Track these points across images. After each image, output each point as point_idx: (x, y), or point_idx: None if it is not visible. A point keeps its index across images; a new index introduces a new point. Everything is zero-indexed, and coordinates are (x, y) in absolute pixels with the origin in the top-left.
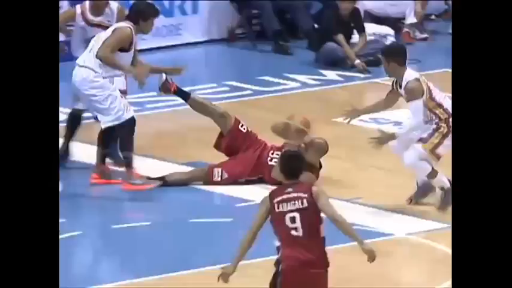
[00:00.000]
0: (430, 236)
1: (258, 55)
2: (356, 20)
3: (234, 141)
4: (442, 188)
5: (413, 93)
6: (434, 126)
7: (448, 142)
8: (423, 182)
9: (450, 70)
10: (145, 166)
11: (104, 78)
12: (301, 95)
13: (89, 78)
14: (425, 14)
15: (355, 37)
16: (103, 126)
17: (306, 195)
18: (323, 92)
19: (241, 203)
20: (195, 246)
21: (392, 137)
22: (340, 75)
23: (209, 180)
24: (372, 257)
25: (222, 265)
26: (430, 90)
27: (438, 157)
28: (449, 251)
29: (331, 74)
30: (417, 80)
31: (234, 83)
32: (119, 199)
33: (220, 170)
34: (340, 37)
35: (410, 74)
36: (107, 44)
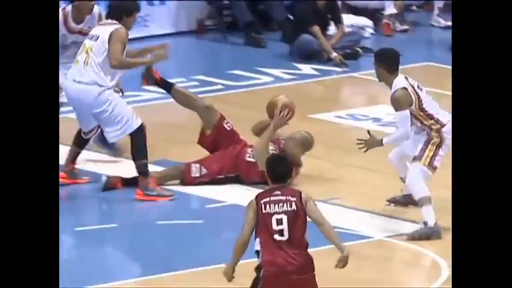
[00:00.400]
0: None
1: (229, 48)
2: (333, 11)
3: (219, 138)
4: (425, 223)
5: (398, 103)
6: (425, 138)
7: (442, 153)
8: (408, 192)
9: (432, 63)
10: (112, 166)
11: (109, 89)
12: (275, 90)
13: (95, 95)
14: (405, 4)
15: (332, 29)
16: (113, 139)
17: (294, 199)
18: (298, 86)
19: (212, 204)
20: (163, 249)
21: (379, 143)
22: (315, 69)
23: (187, 178)
24: (343, 265)
25: (192, 269)
26: (419, 100)
27: (434, 169)
28: (429, 253)
29: (306, 68)
30: (404, 89)
31: (204, 78)
32: (83, 200)
33: (198, 165)
34: (316, 29)
35: (399, 82)
36: (114, 51)
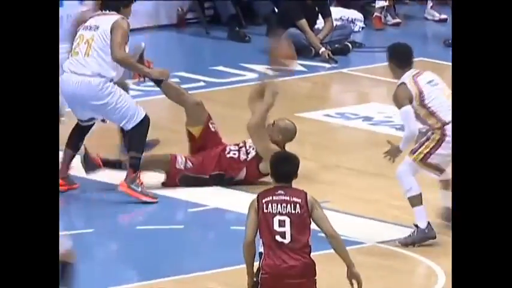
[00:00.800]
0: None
1: (211, 42)
2: (321, 3)
3: (204, 139)
4: (416, 226)
5: (396, 100)
6: (425, 137)
7: (442, 151)
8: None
9: (426, 59)
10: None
11: (111, 81)
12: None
13: (98, 87)
14: None
15: (320, 22)
16: (129, 127)
17: (299, 201)
18: (284, 83)
19: (194, 208)
20: (142, 256)
21: (400, 150)
22: (303, 65)
23: (171, 168)
24: (359, 282)
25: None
26: (421, 96)
27: (437, 168)
28: (424, 260)
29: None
30: (403, 84)
31: (185, 74)
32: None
33: (184, 158)
34: (303, 22)
35: (402, 77)
36: (116, 44)
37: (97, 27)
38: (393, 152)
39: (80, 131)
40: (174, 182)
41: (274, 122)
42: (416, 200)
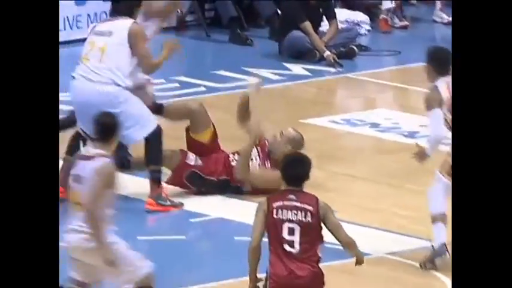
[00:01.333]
0: (412, 255)
1: (212, 46)
2: (325, 5)
3: (214, 147)
4: (432, 245)
5: (427, 101)
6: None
7: None
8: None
9: None
10: None
11: (126, 88)
12: (263, 92)
13: (113, 95)
14: None
15: (325, 24)
16: (132, 142)
17: (310, 208)
18: (288, 88)
19: (197, 218)
20: None
21: (426, 154)
22: (307, 69)
23: (181, 162)
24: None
25: None
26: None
27: None
28: (433, 271)
29: (297, 68)
30: (435, 87)
31: (185, 79)
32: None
33: (195, 156)
34: (307, 25)
35: (437, 81)
36: (144, 54)
37: (110, 33)
38: (420, 156)
39: (80, 139)
40: (180, 180)
41: (281, 133)
42: (437, 218)
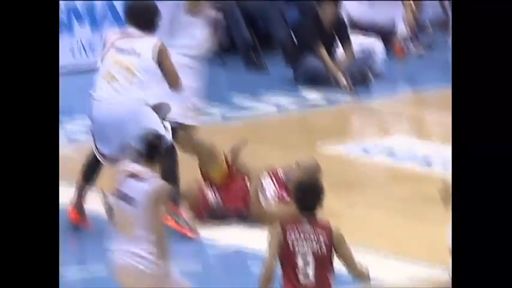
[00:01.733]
0: (428, 285)
1: (227, 71)
2: (340, 30)
3: (229, 184)
4: (449, 275)
5: None
6: None
7: None
8: None
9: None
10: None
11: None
12: (278, 120)
13: (143, 114)
14: (420, 22)
15: (339, 50)
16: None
17: (324, 239)
18: (302, 116)
19: (215, 250)
20: None
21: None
22: (322, 97)
23: (199, 203)
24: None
25: None
26: None
27: None
28: None
29: (312, 95)
30: None
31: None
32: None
33: (214, 190)
34: (322, 51)
35: None
36: (174, 77)
37: (134, 52)
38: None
39: (95, 165)
40: (203, 218)
41: (297, 163)
42: None
